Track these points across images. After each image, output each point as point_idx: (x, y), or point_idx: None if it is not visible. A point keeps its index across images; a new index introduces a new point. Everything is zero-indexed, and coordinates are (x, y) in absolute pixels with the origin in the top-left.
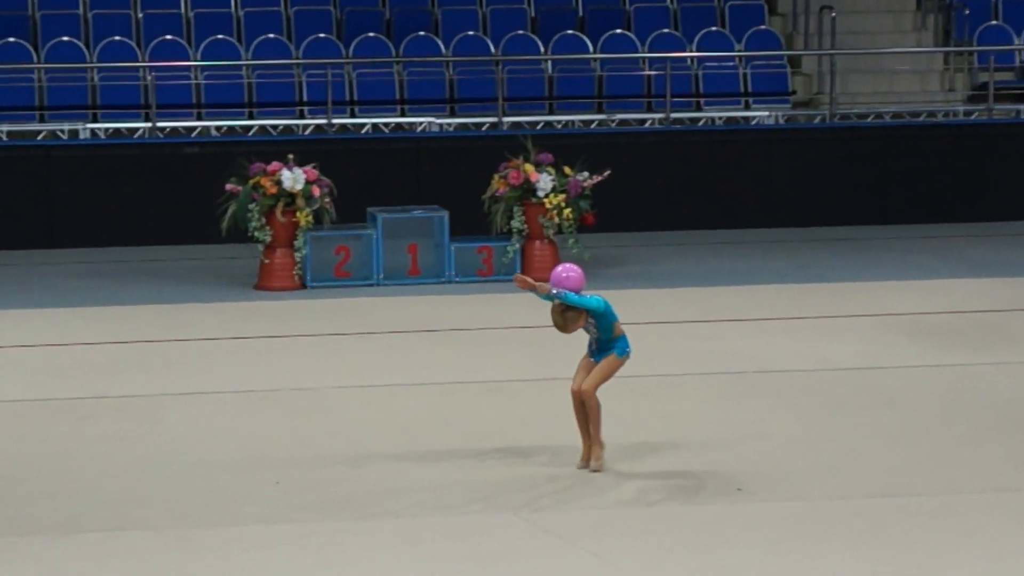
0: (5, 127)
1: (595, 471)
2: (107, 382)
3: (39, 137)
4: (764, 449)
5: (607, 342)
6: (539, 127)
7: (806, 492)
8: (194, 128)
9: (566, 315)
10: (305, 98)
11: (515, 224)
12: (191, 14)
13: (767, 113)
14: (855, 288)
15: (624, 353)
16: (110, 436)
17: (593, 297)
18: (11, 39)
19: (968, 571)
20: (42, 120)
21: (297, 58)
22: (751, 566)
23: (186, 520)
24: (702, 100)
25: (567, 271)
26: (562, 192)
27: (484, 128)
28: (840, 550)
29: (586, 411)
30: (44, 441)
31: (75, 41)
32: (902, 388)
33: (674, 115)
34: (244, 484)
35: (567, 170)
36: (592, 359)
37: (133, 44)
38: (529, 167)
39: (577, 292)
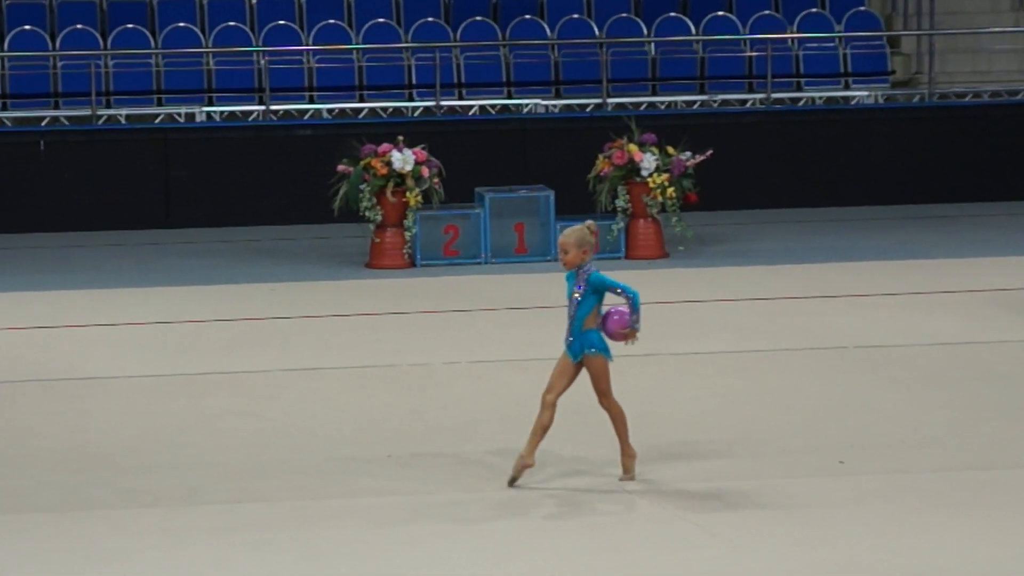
0: (124, 111)
1: (627, 480)
2: (223, 358)
3: (157, 120)
4: (865, 422)
5: (583, 333)
6: (642, 108)
7: (907, 465)
8: (306, 111)
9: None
10: (414, 81)
11: (619, 203)
12: (303, 0)
13: (866, 93)
14: (954, 264)
15: (607, 351)
16: (227, 411)
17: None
18: (130, 25)
19: None
20: (159, 104)
21: (406, 42)
22: (853, 537)
23: (301, 492)
24: (802, 80)
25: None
26: (665, 171)
27: (588, 109)
28: (941, 522)
29: (544, 420)
30: (163, 416)
31: (191, 27)
32: (1002, 362)
33: (775, 95)
34: (357, 457)
35: (670, 150)
36: (571, 357)
37: (247, 29)
38: (633, 147)
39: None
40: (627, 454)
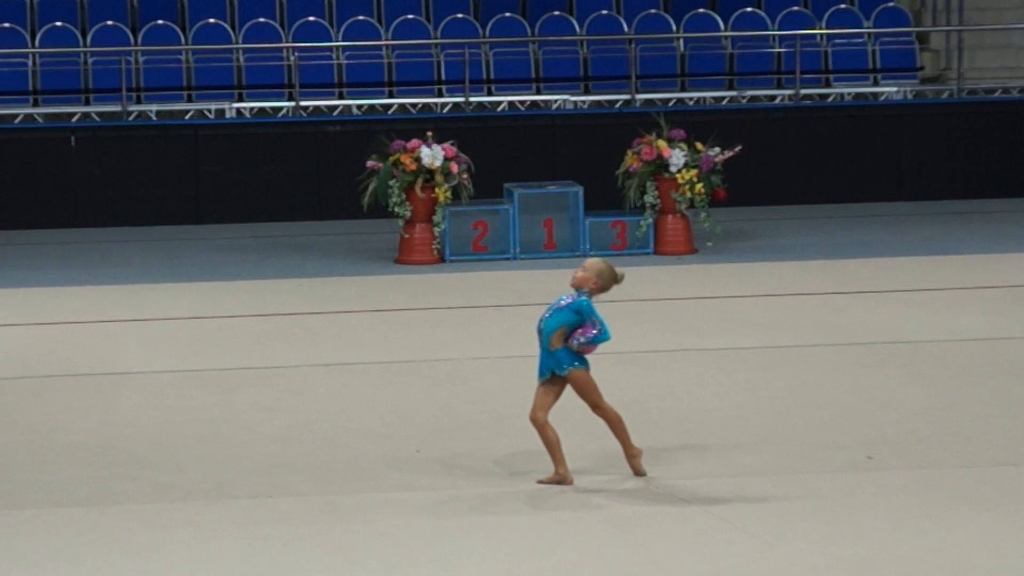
0: (154, 107)
1: (641, 475)
2: (253, 354)
3: (187, 116)
4: (893, 418)
5: (550, 353)
6: (671, 104)
7: (936, 460)
8: (336, 107)
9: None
10: (443, 77)
11: (648, 199)
12: None
13: (895, 89)
14: (983, 260)
15: (584, 362)
16: (256, 406)
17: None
18: (160, 21)
19: None
20: (189, 100)
21: (435, 38)
22: (880, 533)
23: (331, 487)
24: (831, 76)
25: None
26: (694, 167)
27: (617, 105)
28: (970, 518)
29: (549, 436)
30: (192, 411)
31: (221, 23)
32: None
33: (804, 91)
34: (386, 452)
35: (699, 146)
36: (537, 377)
37: (277, 25)
38: (662, 143)
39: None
40: (632, 455)
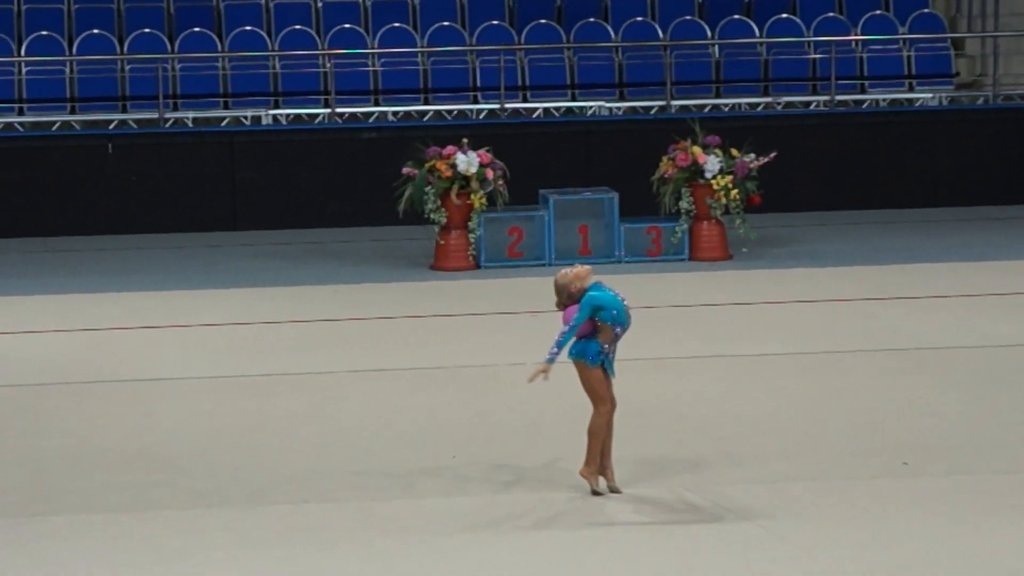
0: (191, 114)
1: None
2: (289, 360)
3: (223, 123)
4: (928, 424)
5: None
6: (706, 110)
7: (971, 466)
8: (371, 113)
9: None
10: (479, 83)
11: (683, 205)
12: (368, 3)
13: (930, 95)
14: (1018, 266)
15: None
16: (292, 412)
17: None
18: (197, 29)
19: None
20: (226, 107)
21: (471, 45)
22: (917, 539)
23: (366, 493)
24: (866, 83)
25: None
26: (729, 173)
27: (652, 111)
28: (1005, 523)
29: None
30: (229, 417)
31: (257, 30)
32: None
33: (839, 97)
34: (421, 458)
35: (734, 152)
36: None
37: (313, 33)
38: (697, 149)
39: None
40: (596, 462)
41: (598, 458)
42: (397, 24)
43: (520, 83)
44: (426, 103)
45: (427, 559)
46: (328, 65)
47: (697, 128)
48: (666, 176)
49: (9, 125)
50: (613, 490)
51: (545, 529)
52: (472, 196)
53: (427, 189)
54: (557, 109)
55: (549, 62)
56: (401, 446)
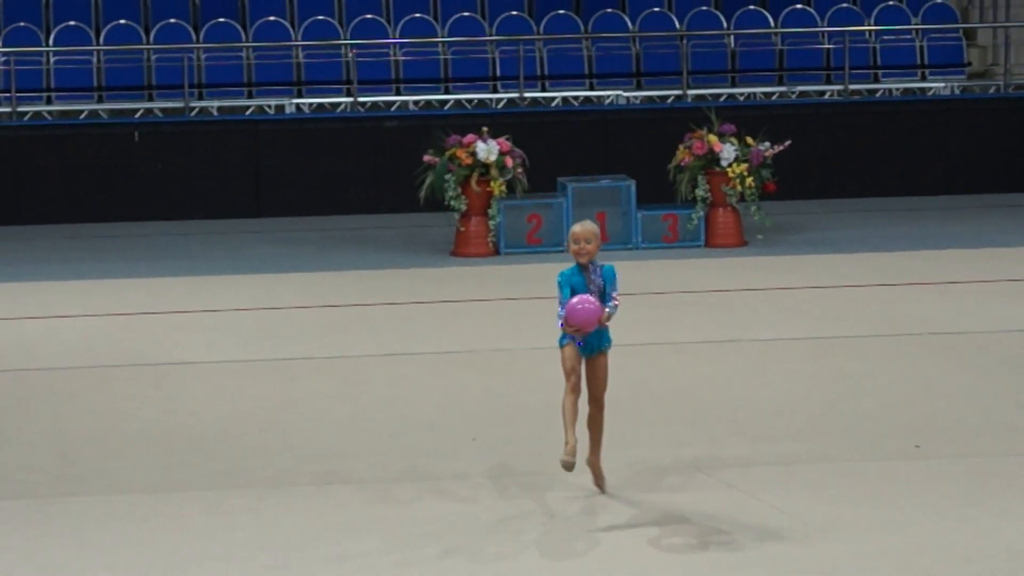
0: (216, 103)
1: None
2: (313, 344)
3: (247, 112)
4: (941, 407)
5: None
6: (722, 99)
7: (984, 448)
8: (393, 102)
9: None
10: (498, 73)
11: (699, 192)
12: None
13: (943, 84)
14: None
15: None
16: (316, 395)
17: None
18: (221, 19)
19: None
20: (250, 96)
21: (491, 35)
22: (930, 521)
23: (389, 475)
24: (880, 72)
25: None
26: (744, 161)
27: (669, 100)
28: (1018, 506)
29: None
30: (254, 399)
31: (281, 20)
32: None
33: (852, 87)
34: (442, 441)
35: (749, 140)
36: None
37: (336, 23)
38: (713, 138)
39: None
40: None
41: (568, 436)
42: (418, 15)
43: (539, 73)
44: (447, 92)
45: (449, 539)
46: (350, 55)
47: (713, 117)
48: (682, 164)
49: (38, 114)
50: (598, 486)
51: (562, 510)
52: (492, 184)
53: (448, 177)
54: (575, 98)
55: (568, 52)
56: (423, 428)
